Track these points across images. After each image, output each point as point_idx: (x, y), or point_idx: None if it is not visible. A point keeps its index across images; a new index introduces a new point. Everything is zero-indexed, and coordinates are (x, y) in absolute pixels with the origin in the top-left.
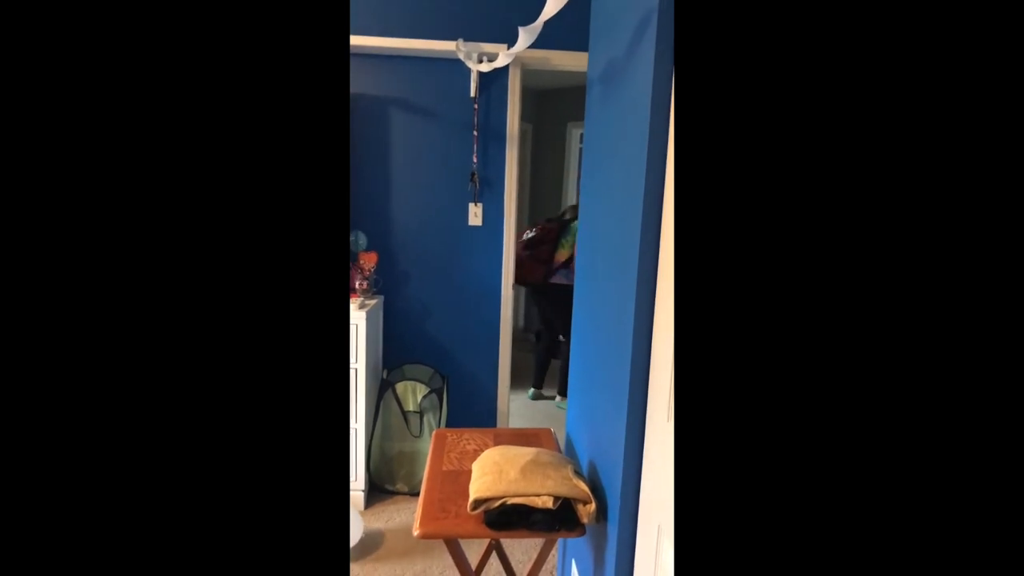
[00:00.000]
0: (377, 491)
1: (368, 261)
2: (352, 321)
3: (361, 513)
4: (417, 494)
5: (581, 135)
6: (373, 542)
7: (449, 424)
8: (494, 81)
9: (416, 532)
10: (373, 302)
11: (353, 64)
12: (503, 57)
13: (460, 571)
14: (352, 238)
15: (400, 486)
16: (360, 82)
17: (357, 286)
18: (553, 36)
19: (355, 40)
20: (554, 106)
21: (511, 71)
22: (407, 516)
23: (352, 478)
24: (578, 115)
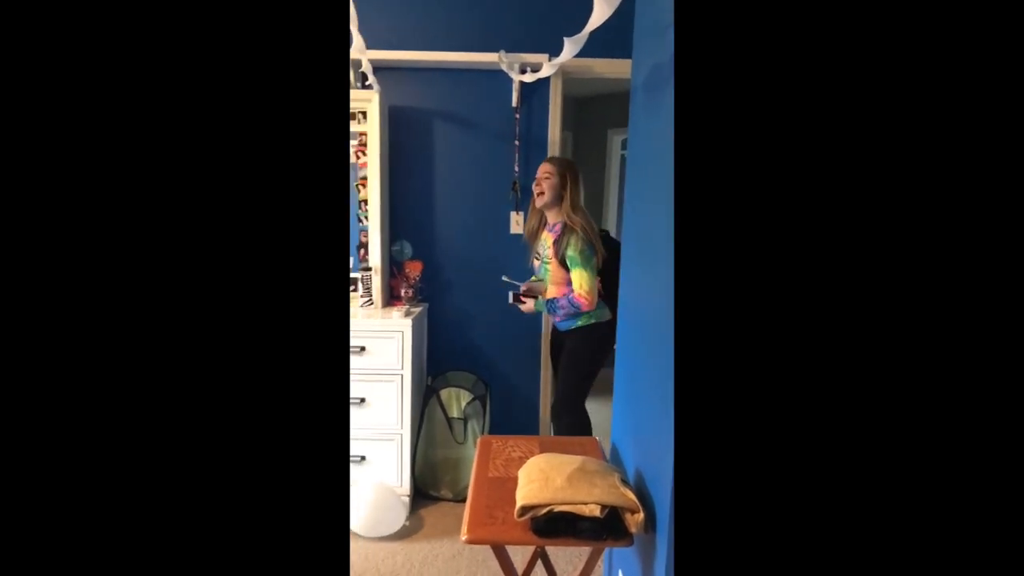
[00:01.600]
0: (422, 496)
1: (413, 269)
2: (398, 328)
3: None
4: (461, 500)
5: (622, 141)
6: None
7: (491, 431)
8: (535, 91)
9: (464, 537)
10: (418, 310)
11: (395, 77)
12: (548, 67)
13: None
14: (397, 247)
15: (444, 492)
16: (403, 95)
17: (403, 294)
18: (596, 43)
19: (397, 55)
20: (594, 113)
21: (552, 81)
22: (452, 521)
23: (398, 483)
24: (617, 122)
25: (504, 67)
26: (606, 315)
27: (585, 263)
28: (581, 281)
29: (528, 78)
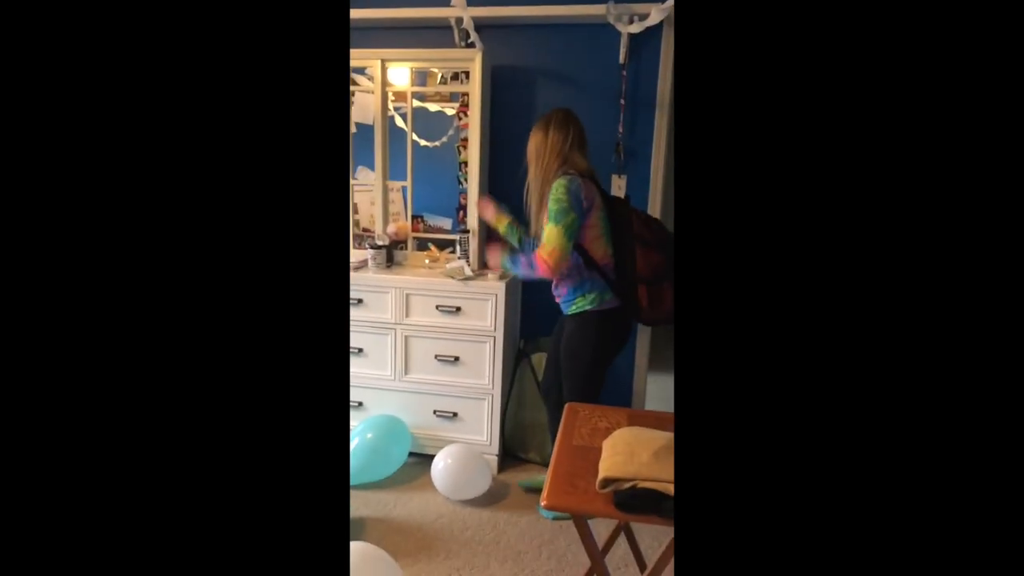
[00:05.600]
0: (511, 457)
1: None
2: (492, 291)
3: (494, 477)
4: (548, 465)
5: None
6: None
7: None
8: (644, 45)
9: (543, 503)
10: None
11: (498, 35)
12: (657, 13)
13: (586, 548)
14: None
15: (532, 455)
16: (506, 53)
17: None
18: None
19: (500, 11)
20: None
21: (664, 32)
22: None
23: (487, 442)
24: None
25: (611, 19)
26: (608, 300)
27: (559, 217)
28: (548, 238)
29: (635, 28)
